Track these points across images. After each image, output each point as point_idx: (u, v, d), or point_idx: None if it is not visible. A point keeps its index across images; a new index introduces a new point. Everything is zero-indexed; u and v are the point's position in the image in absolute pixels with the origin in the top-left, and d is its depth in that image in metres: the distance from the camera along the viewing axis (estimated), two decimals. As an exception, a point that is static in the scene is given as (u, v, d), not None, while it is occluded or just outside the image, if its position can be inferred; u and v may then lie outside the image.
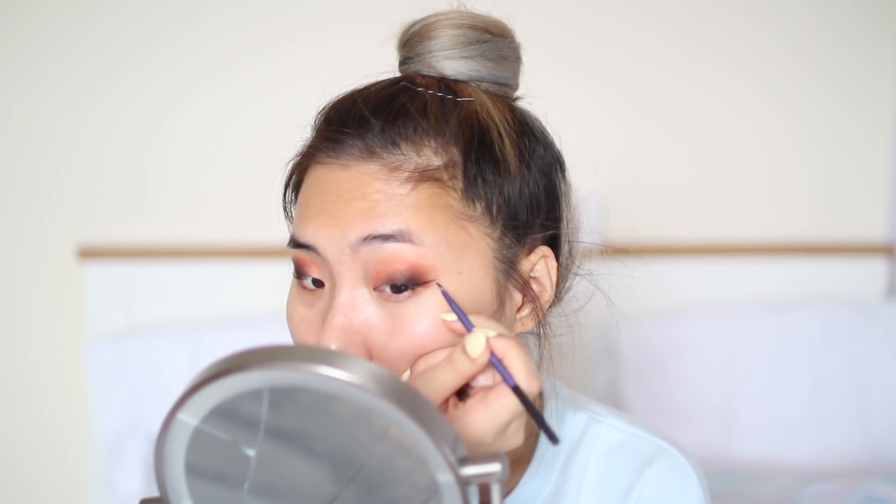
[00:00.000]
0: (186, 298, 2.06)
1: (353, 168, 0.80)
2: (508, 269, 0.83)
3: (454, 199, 0.80)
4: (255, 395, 0.62)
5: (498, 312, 0.82)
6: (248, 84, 2.10)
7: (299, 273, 0.82)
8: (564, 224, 0.88)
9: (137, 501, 1.92)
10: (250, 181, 2.11)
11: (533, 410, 0.73)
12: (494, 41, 0.87)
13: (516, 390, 0.73)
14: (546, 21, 2.17)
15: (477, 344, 0.74)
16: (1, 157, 2.06)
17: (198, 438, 0.64)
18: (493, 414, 0.73)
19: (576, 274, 0.91)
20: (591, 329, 2.12)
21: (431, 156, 0.81)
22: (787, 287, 2.28)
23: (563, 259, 0.89)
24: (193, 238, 2.10)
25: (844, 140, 2.34)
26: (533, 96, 0.90)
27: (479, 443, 0.73)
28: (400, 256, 0.78)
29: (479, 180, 0.81)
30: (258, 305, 2.01)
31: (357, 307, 0.79)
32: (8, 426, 2.11)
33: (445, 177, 0.80)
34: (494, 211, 0.82)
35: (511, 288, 0.84)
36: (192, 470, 0.65)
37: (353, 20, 2.05)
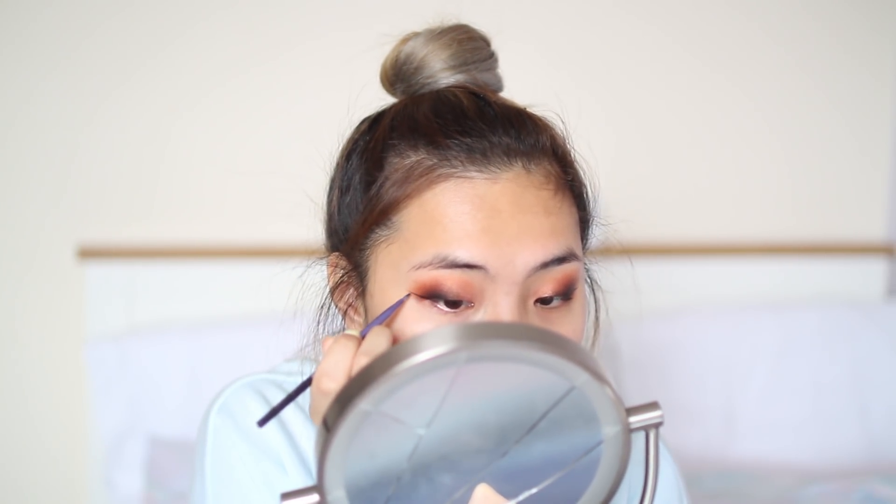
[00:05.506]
0: (186, 298, 2.06)
1: (501, 179, 0.79)
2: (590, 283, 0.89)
3: (574, 207, 0.84)
4: (441, 376, 0.65)
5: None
6: (250, 86, 2.10)
7: (438, 294, 0.78)
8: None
9: (138, 500, 1.92)
10: (251, 182, 2.11)
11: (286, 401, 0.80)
12: (480, 46, 0.89)
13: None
14: (547, 22, 2.16)
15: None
16: (2, 158, 2.06)
17: (369, 424, 0.65)
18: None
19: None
20: (590, 329, 2.12)
21: (556, 161, 0.83)
22: (787, 287, 2.28)
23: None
24: (193, 238, 2.10)
25: (844, 140, 2.34)
26: (534, 98, 0.90)
27: None
28: (569, 275, 0.80)
29: (579, 191, 0.85)
30: (258, 306, 2.00)
31: (523, 321, 0.79)
32: (7, 426, 2.11)
33: (566, 185, 0.83)
34: (583, 220, 0.86)
35: None
36: (354, 455, 0.66)
37: (361, 26, 2.04)
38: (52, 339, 2.09)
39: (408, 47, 0.88)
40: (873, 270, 2.31)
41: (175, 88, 2.08)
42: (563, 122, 0.87)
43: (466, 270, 0.78)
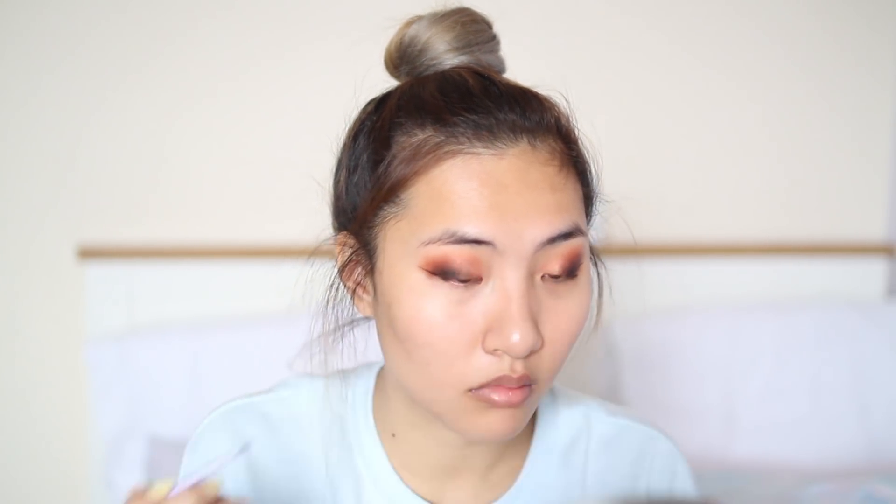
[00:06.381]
0: (186, 298, 2.06)
1: (507, 156, 0.80)
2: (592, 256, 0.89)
3: (578, 183, 0.84)
4: None
5: None
6: (250, 87, 2.10)
7: (448, 271, 0.79)
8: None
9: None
10: (251, 182, 2.12)
11: None
12: (483, 28, 0.90)
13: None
14: (547, 22, 2.17)
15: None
16: (2, 157, 2.06)
17: None
18: None
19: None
20: (590, 329, 2.12)
21: (560, 139, 0.83)
22: (787, 287, 2.28)
23: None
24: (193, 238, 2.10)
25: (844, 140, 2.34)
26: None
27: None
28: (575, 250, 0.81)
29: (583, 168, 0.86)
30: (258, 305, 2.01)
31: (532, 296, 0.80)
32: (7, 426, 2.11)
33: (570, 161, 0.83)
34: (587, 196, 0.87)
35: None
36: None
37: (360, 26, 2.04)
38: (52, 339, 2.09)
39: (412, 30, 0.88)
40: (873, 270, 2.31)
41: (174, 87, 2.08)
42: (566, 101, 0.87)
43: (475, 246, 0.78)
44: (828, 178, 2.34)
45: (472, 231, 0.78)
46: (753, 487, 1.91)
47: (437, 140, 0.80)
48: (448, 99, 0.82)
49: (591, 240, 0.90)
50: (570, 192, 0.82)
